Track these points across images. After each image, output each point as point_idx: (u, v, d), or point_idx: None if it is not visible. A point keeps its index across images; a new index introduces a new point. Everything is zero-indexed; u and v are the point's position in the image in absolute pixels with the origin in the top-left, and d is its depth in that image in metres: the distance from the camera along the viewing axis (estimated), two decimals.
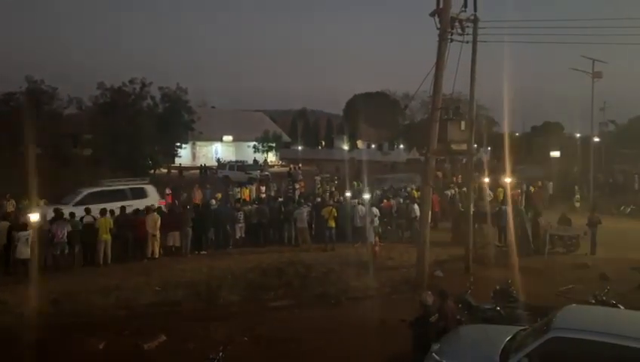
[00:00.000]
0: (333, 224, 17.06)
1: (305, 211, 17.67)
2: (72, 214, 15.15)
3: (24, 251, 13.08)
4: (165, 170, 43.00)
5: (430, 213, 14.03)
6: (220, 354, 6.59)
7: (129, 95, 38.79)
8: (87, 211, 15.32)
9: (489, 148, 42.39)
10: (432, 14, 12.69)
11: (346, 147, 71.83)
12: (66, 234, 14.16)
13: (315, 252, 16.54)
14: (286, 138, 67.97)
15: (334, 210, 17.42)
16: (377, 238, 15.50)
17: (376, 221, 16.52)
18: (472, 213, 14.47)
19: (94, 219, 15.04)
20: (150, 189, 19.99)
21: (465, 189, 18.67)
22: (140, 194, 19.10)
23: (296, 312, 11.13)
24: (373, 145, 74.58)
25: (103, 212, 15.15)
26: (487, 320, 8.54)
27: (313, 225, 18.23)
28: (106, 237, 14.77)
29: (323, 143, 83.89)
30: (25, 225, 13.52)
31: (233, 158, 51.60)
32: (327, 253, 16.43)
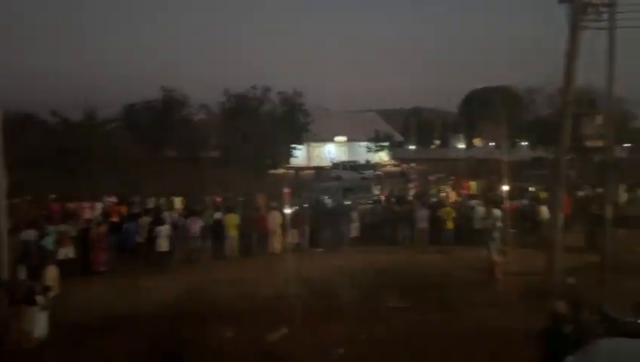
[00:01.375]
0: (451, 225, 16.52)
1: (426, 212, 17.35)
2: (201, 211, 16.57)
3: (163, 244, 14.54)
4: (282, 171, 45.03)
5: (560, 215, 12.96)
6: (341, 351, 6.72)
7: (252, 100, 41.28)
8: (217, 209, 16.61)
9: (627, 145, 38.12)
10: (562, 1, 11.74)
11: (462, 145, 69.08)
12: (198, 229, 15.46)
13: (432, 254, 16.18)
14: (398, 137, 67.31)
15: (452, 210, 16.86)
16: (500, 242, 14.66)
17: (499, 223, 15.65)
18: (608, 216, 13.10)
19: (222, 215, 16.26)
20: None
21: (601, 190, 16.95)
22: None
23: (412, 315, 10.97)
24: (491, 143, 70.86)
25: (230, 209, 16.31)
26: (629, 335, 7.66)
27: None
28: (233, 232, 15.85)
29: (437, 142, 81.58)
30: (163, 221, 15.02)
31: (346, 159, 52.36)
32: (444, 255, 15.97)
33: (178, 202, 20.47)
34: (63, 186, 23.03)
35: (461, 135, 72.18)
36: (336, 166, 44.67)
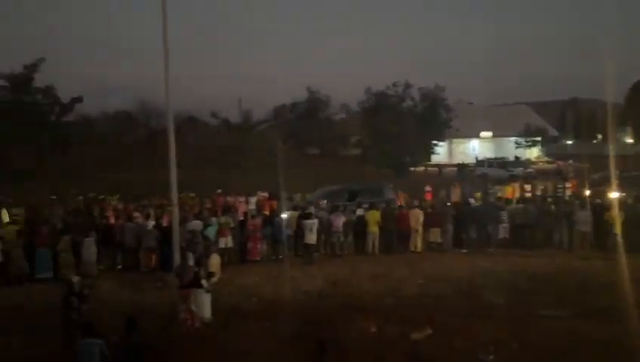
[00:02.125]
0: (619, 230, 14.67)
1: (587, 214, 15.73)
2: (344, 207, 17.09)
3: (311, 237, 15.29)
4: (423, 168, 44.26)
5: None
6: (490, 356, 6.42)
7: (392, 97, 41.34)
8: (359, 205, 16.99)
9: None
10: None
11: (630, 140, 60.90)
12: (341, 224, 15.96)
13: (594, 260, 14.56)
14: (553, 131, 61.70)
15: (622, 214, 14.96)
16: None
17: None
18: None
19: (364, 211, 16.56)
20: (387, 189, 20.77)
21: None
22: (377, 193, 19.87)
23: (569, 324, 10.00)
24: None
25: (371, 206, 16.55)
26: None
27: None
28: (374, 229, 16.05)
29: (599, 136, 72.92)
30: (310, 215, 15.79)
31: (492, 155, 49.54)
32: (608, 262, 14.23)
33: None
34: (222, 182, 25.46)
35: (629, 128, 63.54)
36: (480, 163, 42.56)
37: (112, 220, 16.19)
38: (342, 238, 16.08)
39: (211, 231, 15.08)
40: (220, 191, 21.79)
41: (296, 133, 45.97)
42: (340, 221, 15.99)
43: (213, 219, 15.84)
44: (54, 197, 20.70)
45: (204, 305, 10.51)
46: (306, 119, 46.82)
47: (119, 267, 14.74)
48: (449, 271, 13.93)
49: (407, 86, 41.78)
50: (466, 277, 13.24)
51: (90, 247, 13.63)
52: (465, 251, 16.26)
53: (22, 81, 22.31)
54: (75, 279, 9.79)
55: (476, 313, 10.63)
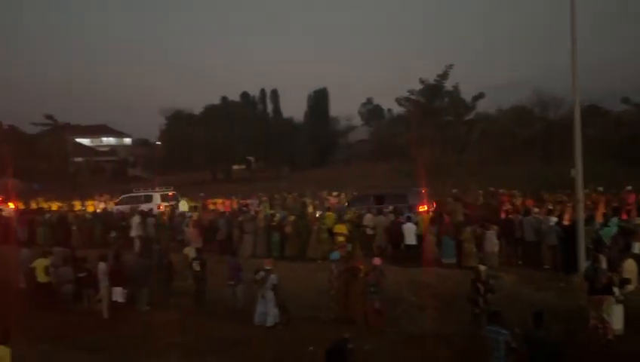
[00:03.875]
0: None
1: None
2: None
3: None
4: None
5: None
6: None
7: None
8: None
9: None
10: None
11: None
12: None
13: None
14: None
15: None
16: None
17: None
18: None
19: None
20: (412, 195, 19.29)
21: None
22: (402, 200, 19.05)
23: None
24: None
25: None
26: None
27: None
28: None
29: None
30: None
31: None
32: None
33: None
34: (633, 177, 21.90)
35: None
36: None
37: (511, 214, 16.39)
38: None
39: (608, 233, 13.24)
40: (629, 188, 18.80)
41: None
42: None
43: (615, 219, 13.95)
44: (455, 190, 22.53)
45: (615, 314, 9.42)
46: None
47: (519, 262, 14.79)
48: None
49: None
50: None
51: (492, 239, 14.24)
52: None
53: (434, 88, 25.75)
54: (482, 268, 10.46)
55: None
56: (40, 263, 13.92)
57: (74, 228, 21.24)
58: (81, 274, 13.45)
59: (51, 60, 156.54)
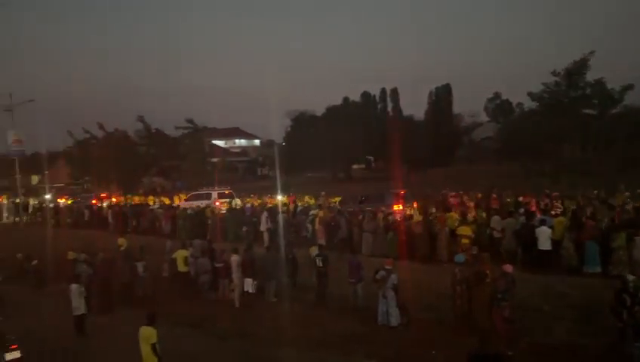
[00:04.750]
0: None
1: None
2: None
3: None
4: None
5: None
6: None
7: None
8: None
9: None
10: None
11: None
12: None
13: None
14: None
15: None
16: None
17: None
18: None
19: None
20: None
21: None
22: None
23: None
24: None
25: None
26: None
27: None
28: None
29: None
30: None
31: None
32: None
33: None
34: None
35: None
36: None
37: None
38: None
39: None
40: None
41: None
42: None
43: None
44: (596, 191, 20.48)
45: None
46: None
47: None
48: None
49: None
50: None
51: None
52: None
53: (573, 79, 23.41)
54: (631, 278, 9.32)
55: None
56: (180, 254, 15.36)
57: (210, 222, 23.13)
58: (218, 265, 14.56)
59: (196, 70, 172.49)
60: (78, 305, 12.18)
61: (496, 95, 67.33)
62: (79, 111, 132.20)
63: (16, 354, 9.93)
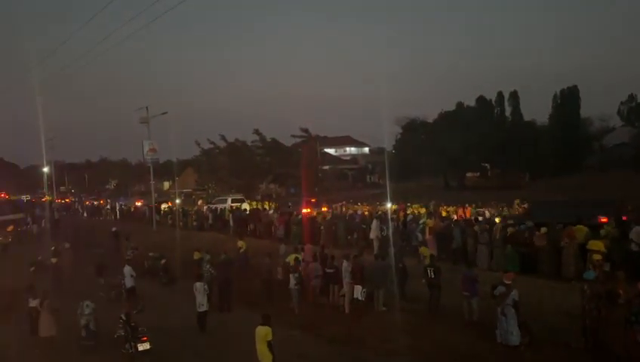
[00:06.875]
0: None
1: None
2: None
3: None
4: None
5: None
6: None
7: None
8: None
9: None
10: None
11: None
12: None
13: None
14: None
15: None
16: None
17: None
18: None
19: None
20: None
21: None
22: None
23: None
24: None
25: None
26: None
27: None
28: None
29: None
30: None
31: None
32: None
33: None
34: None
35: None
36: None
37: None
38: None
39: None
40: None
41: None
42: None
43: None
44: None
45: None
46: None
47: None
48: None
49: None
50: None
51: None
52: None
53: None
54: None
55: None
56: (293, 258, 15.88)
57: (321, 228, 23.64)
58: (329, 270, 14.82)
59: (308, 81, 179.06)
60: (202, 302, 13.14)
61: (631, 97, 60.66)
62: (202, 121, 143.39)
63: (147, 346, 10.99)
